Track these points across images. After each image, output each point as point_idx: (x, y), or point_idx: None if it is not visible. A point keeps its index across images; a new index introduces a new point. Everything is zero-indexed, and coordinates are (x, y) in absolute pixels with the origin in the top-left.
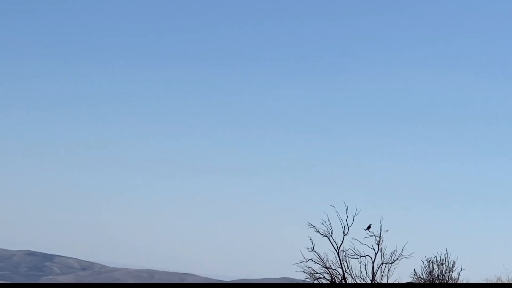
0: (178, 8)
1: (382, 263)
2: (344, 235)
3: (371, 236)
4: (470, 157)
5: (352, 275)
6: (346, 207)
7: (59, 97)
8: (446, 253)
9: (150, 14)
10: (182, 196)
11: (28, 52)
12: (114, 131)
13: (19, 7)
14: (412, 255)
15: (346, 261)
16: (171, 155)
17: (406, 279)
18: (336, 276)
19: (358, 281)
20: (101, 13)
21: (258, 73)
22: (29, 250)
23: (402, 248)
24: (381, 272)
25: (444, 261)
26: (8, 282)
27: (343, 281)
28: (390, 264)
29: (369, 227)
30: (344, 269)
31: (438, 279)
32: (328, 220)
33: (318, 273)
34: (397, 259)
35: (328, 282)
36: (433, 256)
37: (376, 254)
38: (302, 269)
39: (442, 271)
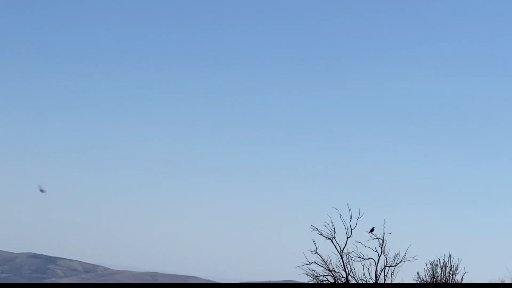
0: (178, 9)
1: (386, 266)
2: (347, 238)
3: (374, 238)
4: (473, 158)
5: (356, 277)
6: (350, 209)
7: (60, 99)
8: (450, 256)
9: (150, 15)
10: (186, 198)
11: (29, 53)
12: (117, 133)
13: (22, 9)
14: (415, 257)
15: (349, 264)
16: (173, 156)
17: (410, 282)
18: (339, 279)
19: None
20: (102, 14)
21: (259, 73)
22: (32, 253)
23: (405, 251)
24: (384, 275)
25: (447, 264)
26: (10, 282)
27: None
28: (394, 267)
29: (372, 230)
30: (347, 272)
31: (442, 282)
32: (332, 222)
33: (321, 275)
34: (400, 261)
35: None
36: (436, 259)
37: (379, 256)
38: (305, 272)
39: (445, 274)
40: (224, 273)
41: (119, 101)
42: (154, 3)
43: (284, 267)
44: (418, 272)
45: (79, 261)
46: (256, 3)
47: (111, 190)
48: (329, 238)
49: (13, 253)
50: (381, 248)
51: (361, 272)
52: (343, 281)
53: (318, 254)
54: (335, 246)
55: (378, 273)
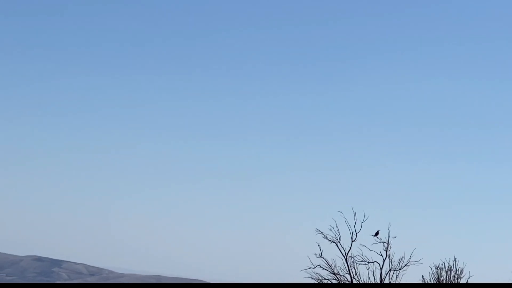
0: (180, 12)
1: (390, 270)
2: (352, 241)
3: (379, 242)
4: (479, 162)
5: (360, 281)
6: (354, 213)
7: (69, 102)
8: (455, 259)
9: (152, 19)
10: (191, 202)
11: (33, 56)
12: (122, 137)
13: (27, 11)
14: (420, 261)
15: (354, 268)
16: (178, 159)
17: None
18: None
19: None
20: (104, 17)
21: (264, 76)
22: (37, 256)
23: (410, 254)
24: (389, 279)
25: (452, 268)
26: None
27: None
28: (398, 271)
29: (377, 234)
30: (352, 276)
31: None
32: (336, 226)
33: (326, 279)
34: (405, 265)
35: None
36: (441, 262)
37: (384, 260)
38: (310, 275)
39: (450, 277)
40: (228, 276)
41: (125, 106)
42: (156, 7)
43: (288, 270)
44: (423, 276)
45: (83, 264)
46: (258, 5)
47: (116, 193)
48: (334, 242)
49: (18, 256)
50: (386, 251)
51: (366, 276)
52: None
53: (323, 258)
54: (339, 249)
55: (383, 277)
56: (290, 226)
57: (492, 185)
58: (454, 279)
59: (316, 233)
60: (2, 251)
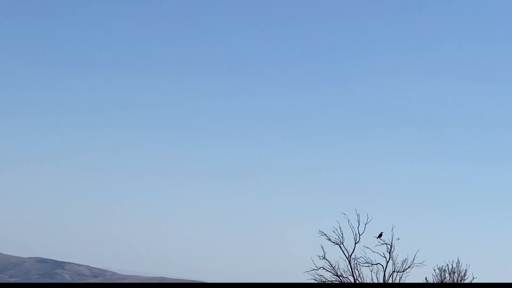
0: (181, 14)
1: (394, 272)
2: (355, 243)
3: (382, 244)
4: (482, 163)
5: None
6: (358, 215)
7: (71, 104)
8: (458, 261)
9: (154, 20)
10: (194, 203)
11: (39, 56)
12: (124, 139)
13: (26, 12)
14: (423, 263)
15: (357, 269)
16: (180, 161)
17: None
18: None
19: None
20: (106, 18)
21: (266, 77)
22: (40, 257)
23: (413, 256)
24: (392, 281)
25: (455, 270)
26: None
27: None
28: (402, 273)
29: (380, 235)
30: (355, 277)
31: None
32: (340, 228)
33: (329, 281)
34: (408, 267)
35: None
36: (444, 264)
37: (387, 262)
38: (313, 277)
39: (453, 279)
40: (231, 278)
41: (127, 107)
42: (158, 9)
43: (291, 272)
44: (426, 278)
45: (87, 265)
46: (260, 6)
47: (119, 195)
48: (337, 244)
49: (21, 257)
50: (389, 253)
51: (369, 278)
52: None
53: (326, 260)
54: (343, 251)
55: (386, 279)
56: (293, 228)
57: (496, 186)
58: (457, 281)
59: (320, 235)
60: (5, 253)
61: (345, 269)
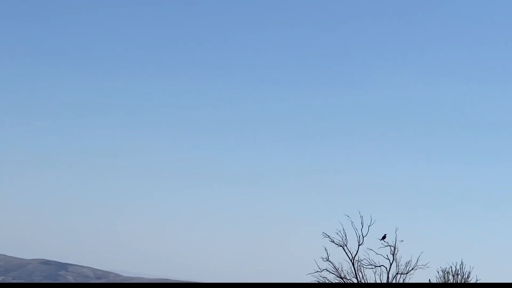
0: (183, 15)
1: (397, 274)
2: (359, 245)
3: (386, 246)
4: (486, 164)
5: None
6: (361, 217)
7: (75, 106)
8: (462, 263)
9: (156, 22)
10: (198, 206)
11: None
12: (129, 141)
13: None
14: (427, 265)
15: (361, 271)
16: (184, 164)
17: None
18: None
19: None
20: (113, 21)
21: (268, 79)
22: (43, 259)
23: (417, 258)
24: (396, 282)
25: (459, 272)
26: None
27: None
28: (405, 275)
29: (384, 237)
30: (359, 279)
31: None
32: (343, 230)
33: (332, 283)
34: (412, 269)
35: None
36: (448, 266)
37: (391, 264)
38: (316, 279)
39: (457, 281)
40: (235, 280)
41: (132, 110)
42: (157, 11)
43: (295, 274)
44: (429, 280)
45: (90, 267)
46: (261, 8)
47: (123, 197)
48: (341, 245)
49: (24, 259)
50: (393, 255)
51: (373, 280)
52: None
53: (330, 262)
54: (346, 253)
55: (389, 281)
56: (296, 230)
57: (500, 187)
58: (461, 283)
59: (323, 236)
60: (8, 254)
61: (349, 271)
